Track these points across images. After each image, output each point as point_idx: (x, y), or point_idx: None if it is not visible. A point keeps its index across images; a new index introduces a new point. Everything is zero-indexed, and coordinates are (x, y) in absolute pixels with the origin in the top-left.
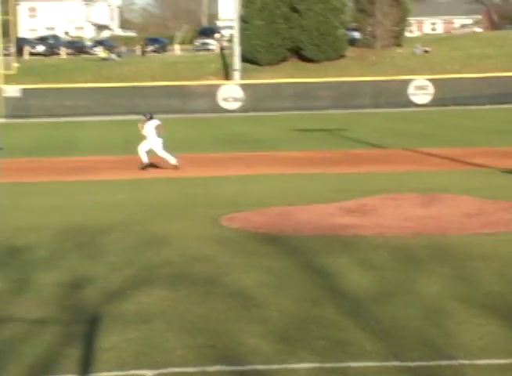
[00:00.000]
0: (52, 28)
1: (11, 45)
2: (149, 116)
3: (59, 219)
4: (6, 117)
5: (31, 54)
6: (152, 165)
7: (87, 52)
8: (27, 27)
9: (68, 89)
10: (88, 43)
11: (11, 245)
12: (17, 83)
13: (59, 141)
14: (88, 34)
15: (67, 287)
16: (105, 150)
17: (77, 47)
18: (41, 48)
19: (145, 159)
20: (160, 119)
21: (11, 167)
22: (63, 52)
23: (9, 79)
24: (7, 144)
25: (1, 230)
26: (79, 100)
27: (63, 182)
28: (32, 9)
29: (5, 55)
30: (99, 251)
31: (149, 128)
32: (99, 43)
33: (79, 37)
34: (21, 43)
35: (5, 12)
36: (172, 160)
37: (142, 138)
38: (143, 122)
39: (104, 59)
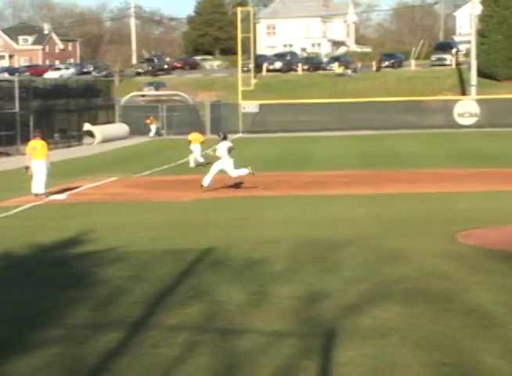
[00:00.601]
0: (290, 45)
1: (250, 61)
2: (222, 136)
3: (294, 233)
4: (244, 132)
5: (268, 70)
6: (235, 186)
7: (323, 68)
8: (266, 44)
9: (304, 105)
10: (325, 59)
11: (248, 258)
12: (255, 99)
13: (296, 155)
14: (325, 51)
15: (304, 300)
16: (341, 165)
17: (314, 63)
18: (278, 65)
19: (207, 182)
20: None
21: (249, 179)
22: (300, 68)
23: (247, 95)
24: (245, 158)
25: (239, 243)
26: (314, 115)
27: (299, 195)
28: (271, 27)
29: (244, 71)
30: (335, 265)
31: (222, 148)
32: (335, 59)
33: (315, 53)
34: (260, 60)
35: (245, 30)
36: (245, 171)
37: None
38: (217, 142)
39: (339, 74)
